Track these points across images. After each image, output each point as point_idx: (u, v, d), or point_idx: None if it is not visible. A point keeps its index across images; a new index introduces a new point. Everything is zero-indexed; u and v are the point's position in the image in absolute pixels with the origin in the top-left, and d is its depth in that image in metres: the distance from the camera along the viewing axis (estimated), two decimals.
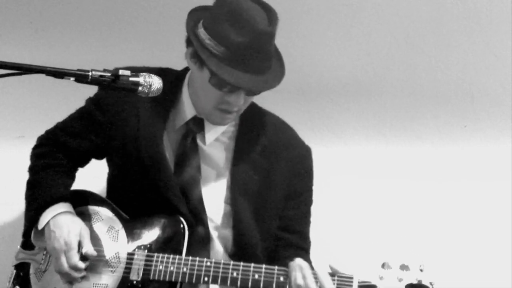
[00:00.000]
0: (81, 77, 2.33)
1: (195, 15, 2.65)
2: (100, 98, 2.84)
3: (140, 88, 2.41)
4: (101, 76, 2.35)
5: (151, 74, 2.44)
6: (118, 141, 2.77)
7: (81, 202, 2.80)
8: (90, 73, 2.33)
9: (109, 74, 2.37)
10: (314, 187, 2.89)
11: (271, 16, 2.57)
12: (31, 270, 2.77)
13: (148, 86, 2.42)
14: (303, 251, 2.81)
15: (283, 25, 3.52)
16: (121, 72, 2.38)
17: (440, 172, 3.49)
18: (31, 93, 3.54)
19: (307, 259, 2.72)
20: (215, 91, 2.60)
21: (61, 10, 3.62)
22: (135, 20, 3.57)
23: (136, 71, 2.32)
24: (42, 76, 2.28)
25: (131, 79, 2.39)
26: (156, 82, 2.43)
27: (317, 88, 3.56)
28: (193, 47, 2.60)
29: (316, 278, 2.48)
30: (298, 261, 2.54)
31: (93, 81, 2.34)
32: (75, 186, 2.88)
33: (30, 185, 2.85)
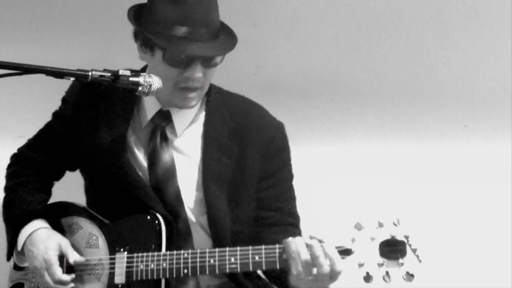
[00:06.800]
0: (81, 77, 2.33)
1: (134, 10, 2.65)
2: (61, 111, 2.86)
3: (140, 88, 2.41)
4: (101, 76, 2.35)
5: (151, 74, 2.44)
6: (81, 152, 2.78)
7: (61, 214, 2.79)
8: (90, 73, 2.33)
9: (109, 74, 2.37)
10: (293, 163, 2.82)
11: None
12: None
13: (148, 86, 2.42)
14: (291, 226, 2.75)
15: (284, 26, 3.53)
16: (121, 72, 2.39)
17: (440, 172, 3.48)
18: (31, 93, 3.55)
19: (298, 234, 2.66)
20: (172, 70, 2.58)
21: (61, 10, 3.62)
22: None
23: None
24: (42, 76, 2.28)
25: (131, 79, 2.40)
26: (156, 82, 2.43)
27: (317, 88, 3.56)
28: (141, 36, 2.62)
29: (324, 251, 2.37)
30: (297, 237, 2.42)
31: (93, 81, 2.35)
32: (61, 197, 2.88)
33: (4, 206, 2.84)
